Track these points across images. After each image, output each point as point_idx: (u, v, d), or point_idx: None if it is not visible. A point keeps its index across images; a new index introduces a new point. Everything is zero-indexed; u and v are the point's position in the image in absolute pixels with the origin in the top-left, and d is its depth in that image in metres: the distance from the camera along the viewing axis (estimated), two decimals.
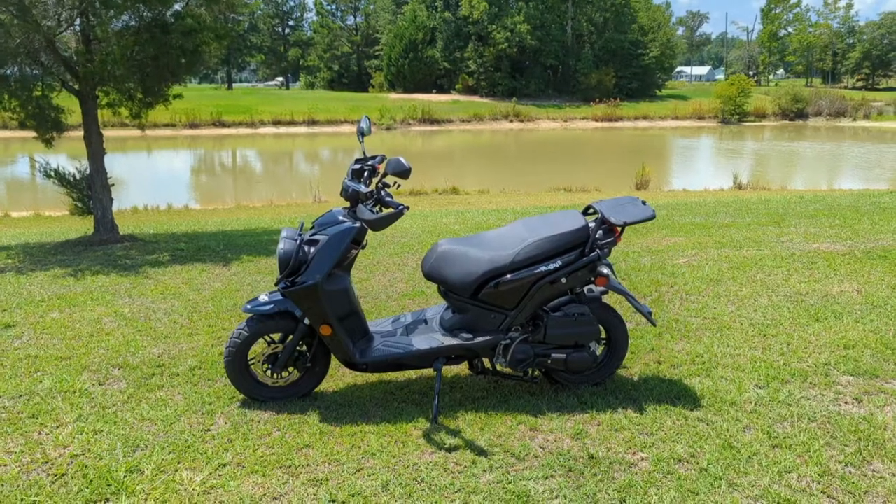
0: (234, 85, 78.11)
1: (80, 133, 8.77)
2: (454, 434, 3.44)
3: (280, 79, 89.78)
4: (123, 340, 4.85)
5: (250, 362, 3.78)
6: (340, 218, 3.64)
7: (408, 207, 3.59)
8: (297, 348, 3.78)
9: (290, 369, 3.82)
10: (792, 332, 4.71)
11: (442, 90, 60.63)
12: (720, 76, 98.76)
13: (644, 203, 3.85)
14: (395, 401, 3.81)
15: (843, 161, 29.70)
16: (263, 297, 3.76)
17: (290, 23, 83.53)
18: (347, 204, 3.70)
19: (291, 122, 45.46)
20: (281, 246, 3.60)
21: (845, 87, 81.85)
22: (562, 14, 60.73)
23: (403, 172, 3.51)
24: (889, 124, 47.36)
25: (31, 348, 4.71)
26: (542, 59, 59.12)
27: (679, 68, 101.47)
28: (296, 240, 3.61)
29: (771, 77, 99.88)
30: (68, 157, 12.32)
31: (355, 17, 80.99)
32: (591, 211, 3.88)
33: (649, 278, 6.18)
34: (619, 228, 3.74)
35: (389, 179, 3.69)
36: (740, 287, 5.81)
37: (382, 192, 3.63)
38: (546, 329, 3.69)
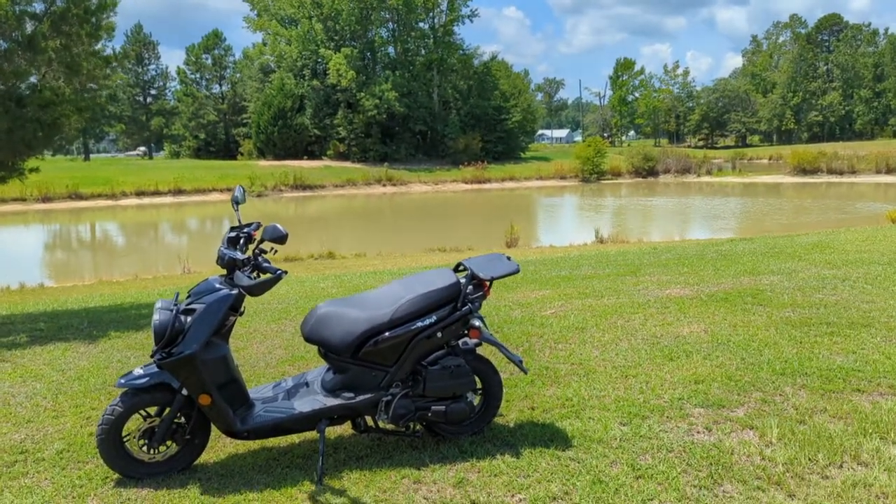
0: (91, 155, 74.69)
1: None
2: (339, 494, 3.48)
3: (142, 148, 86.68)
4: None
5: (125, 439, 3.67)
6: (217, 286, 3.67)
7: (286, 272, 3.68)
8: (175, 420, 3.71)
9: (168, 443, 3.73)
10: (650, 371, 5.11)
11: (313, 156, 60.68)
12: (578, 138, 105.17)
13: (509, 259, 4.15)
14: (279, 466, 3.81)
15: (691, 213, 32.30)
16: (138, 371, 3.68)
17: (153, 91, 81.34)
18: (223, 272, 3.75)
19: (156, 193, 43.76)
20: (156, 317, 3.57)
21: (689, 147, 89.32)
22: (428, 82, 63.01)
23: (280, 238, 3.62)
24: (728, 179, 52.21)
25: None
26: (411, 125, 60.77)
27: (540, 131, 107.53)
28: (171, 310, 3.59)
29: (623, 138, 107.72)
30: None
31: (221, 85, 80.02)
32: (461, 268, 4.13)
33: (520, 330, 6.49)
34: (487, 283, 4.00)
35: (266, 246, 3.78)
36: (603, 333, 6.23)
37: (260, 259, 3.71)
38: (425, 383, 3.85)
